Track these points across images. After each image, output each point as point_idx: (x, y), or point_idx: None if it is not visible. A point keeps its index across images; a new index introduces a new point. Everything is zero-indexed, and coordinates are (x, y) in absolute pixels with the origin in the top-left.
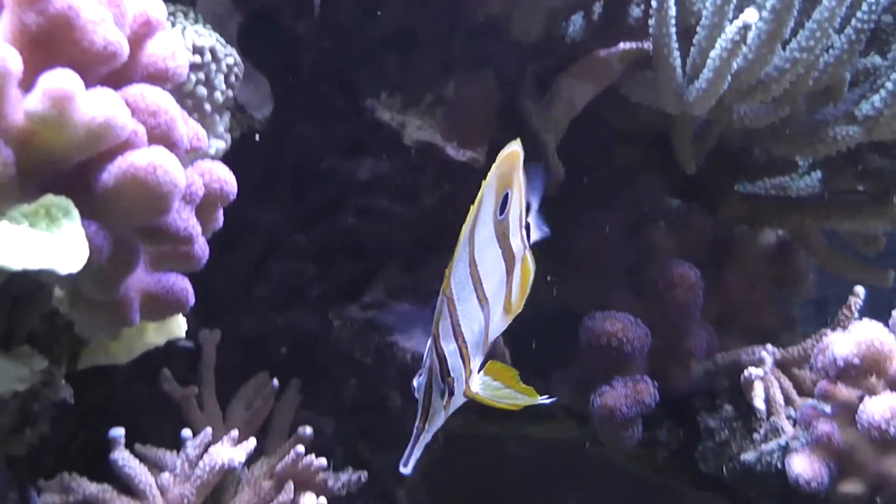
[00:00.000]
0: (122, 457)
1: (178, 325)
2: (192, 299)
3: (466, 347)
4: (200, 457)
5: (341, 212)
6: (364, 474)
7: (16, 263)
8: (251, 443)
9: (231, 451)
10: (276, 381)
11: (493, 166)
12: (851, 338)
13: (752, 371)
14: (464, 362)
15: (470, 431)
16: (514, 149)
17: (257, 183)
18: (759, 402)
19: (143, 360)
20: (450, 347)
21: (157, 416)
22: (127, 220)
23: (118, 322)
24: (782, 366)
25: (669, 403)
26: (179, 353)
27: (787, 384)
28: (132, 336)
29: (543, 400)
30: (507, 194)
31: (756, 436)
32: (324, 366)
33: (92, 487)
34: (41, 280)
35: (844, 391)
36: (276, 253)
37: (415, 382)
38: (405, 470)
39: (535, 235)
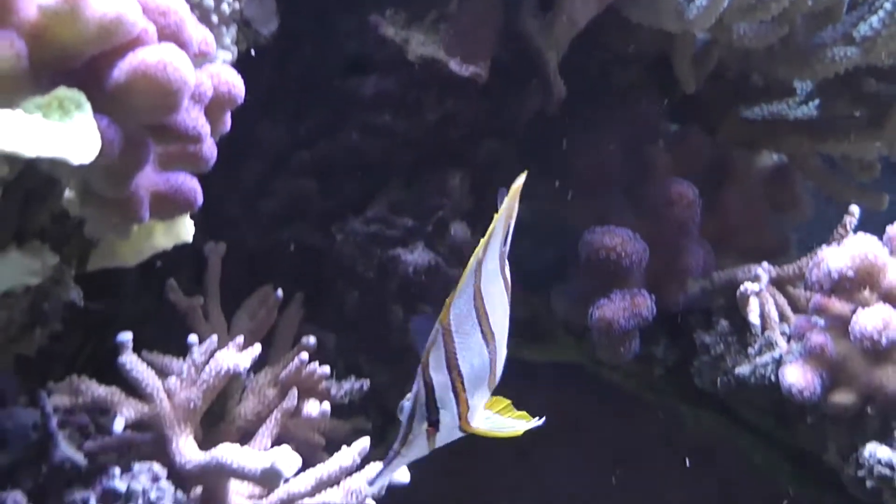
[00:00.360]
0: (130, 360)
1: (186, 229)
2: (200, 198)
3: (462, 381)
4: (206, 362)
5: (345, 128)
6: (366, 383)
7: (30, 150)
8: (256, 349)
9: (236, 357)
10: (280, 292)
11: (507, 198)
12: (846, 251)
13: (747, 286)
14: (457, 396)
15: None
16: (520, 182)
17: (262, 99)
18: (754, 318)
19: (148, 273)
20: (440, 378)
21: (162, 329)
22: (137, 116)
23: (128, 219)
24: (778, 284)
25: (666, 321)
26: (185, 265)
27: (782, 301)
28: (141, 238)
29: (537, 423)
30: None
31: (750, 350)
32: (326, 280)
33: (100, 390)
34: (53, 175)
35: (838, 304)
36: (281, 169)
37: (401, 404)
38: (370, 489)
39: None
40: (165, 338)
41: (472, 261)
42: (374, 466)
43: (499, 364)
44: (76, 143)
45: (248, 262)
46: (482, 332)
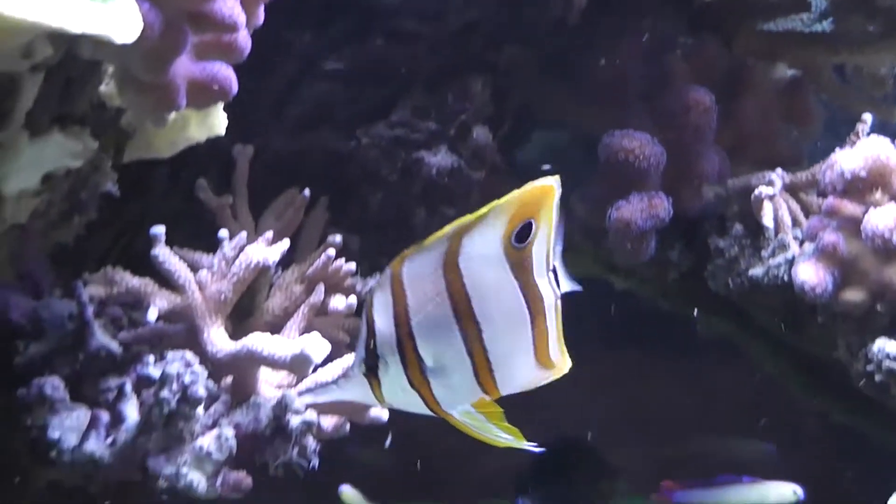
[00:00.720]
0: (163, 252)
1: (220, 121)
2: (235, 87)
3: (413, 344)
4: (237, 256)
5: (371, 35)
6: None
7: (76, 27)
8: (284, 244)
9: (266, 251)
10: (307, 192)
11: (517, 190)
12: (858, 153)
13: (762, 190)
14: (403, 354)
15: None
16: (551, 184)
17: (291, 4)
18: (767, 221)
19: (177, 174)
20: (383, 325)
21: (191, 229)
22: (176, 1)
23: (166, 105)
24: (791, 190)
25: (681, 225)
26: (213, 168)
27: (795, 206)
28: (176, 129)
29: (528, 446)
30: (529, 224)
31: (764, 253)
32: (350, 184)
33: (134, 281)
34: (94, 59)
35: (850, 205)
36: (307, 74)
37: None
38: (296, 402)
39: (566, 286)
40: (194, 238)
41: (448, 228)
42: None
43: (498, 367)
44: (120, 23)
45: (275, 165)
46: (455, 313)
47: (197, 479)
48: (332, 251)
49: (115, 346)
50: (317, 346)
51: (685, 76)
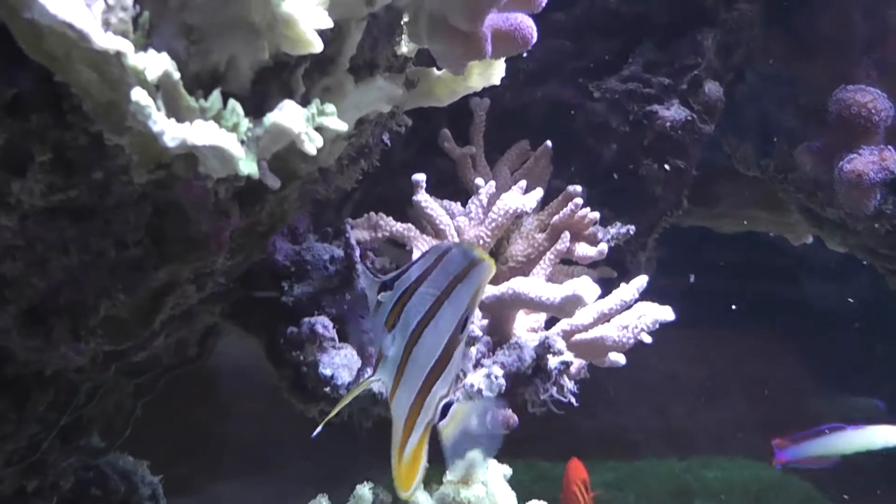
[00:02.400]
0: (425, 199)
1: (499, 71)
2: (535, 36)
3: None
4: (492, 203)
5: None
6: (632, 228)
7: None
8: (538, 192)
9: (523, 198)
10: (549, 143)
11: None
12: None
13: None
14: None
15: None
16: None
17: None
18: None
19: (415, 129)
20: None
21: (430, 178)
22: None
23: (475, 53)
24: None
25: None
26: (444, 123)
27: None
28: (458, 78)
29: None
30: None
31: None
32: (577, 136)
33: (398, 226)
34: (401, 8)
35: None
36: (538, 28)
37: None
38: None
39: None
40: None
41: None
42: (647, 305)
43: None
44: None
45: (504, 117)
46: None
47: None
48: (578, 199)
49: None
50: (588, 288)
51: None
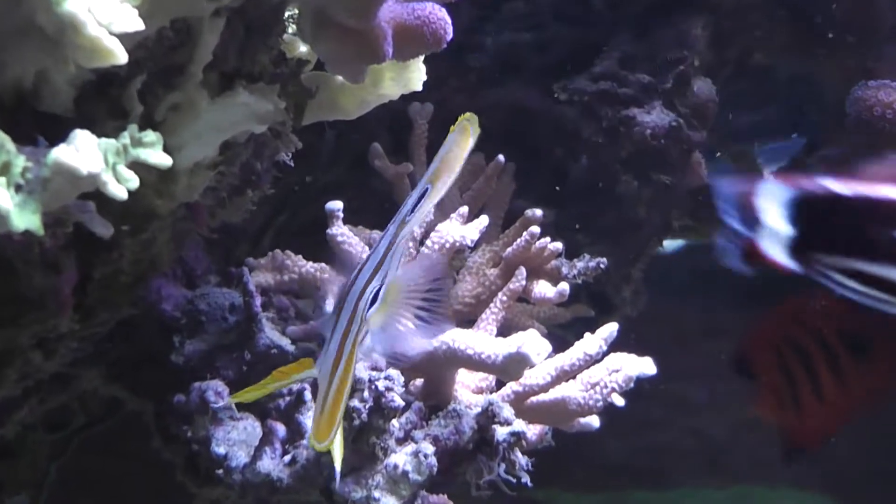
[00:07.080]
0: (342, 232)
1: (418, 75)
2: (450, 32)
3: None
4: (426, 235)
5: None
6: (603, 261)
7: None
8: (483, 220)
9: (462, 229)
10: (501, 157)
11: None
12: None
13: None
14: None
15: None
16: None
17: None
18: None
19: (346, 141)
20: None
21: (363, 200)
22: None
23: (369, 55)
24: None
25: None
26: (381, 132)
27: None
28: (367, 85)
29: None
30: None
31: None
32: (543, 146)
33: (308, 266)
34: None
35: None
36: (490, 20)
37: None
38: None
39: None
40: (362, 213)
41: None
42: (621, 358)
43: None
44: None
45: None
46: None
47: None
48: (535, 228)
49: (286, 344)
50: (536, 344)
51: None
